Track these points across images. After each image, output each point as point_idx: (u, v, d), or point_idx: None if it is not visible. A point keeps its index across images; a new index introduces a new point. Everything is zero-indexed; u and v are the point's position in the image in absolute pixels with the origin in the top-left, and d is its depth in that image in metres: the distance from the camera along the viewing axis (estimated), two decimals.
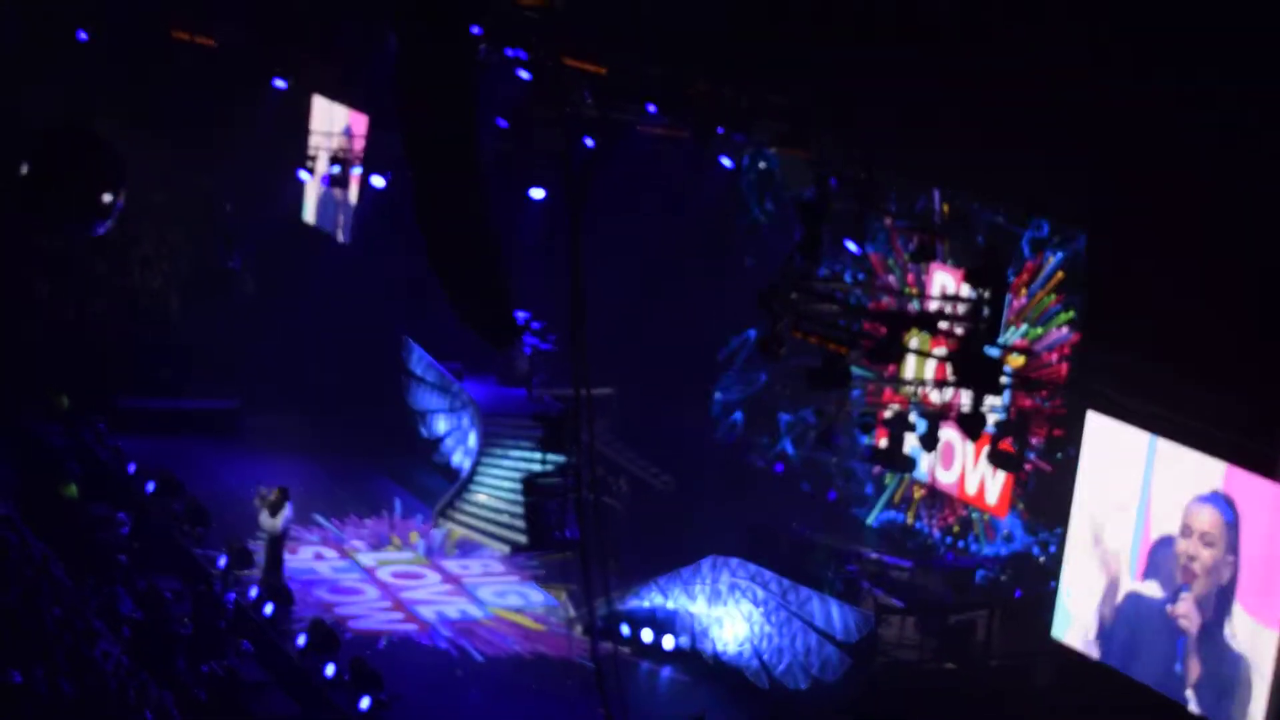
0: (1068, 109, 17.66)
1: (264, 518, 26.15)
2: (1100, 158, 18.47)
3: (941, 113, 20.35)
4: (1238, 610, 19.24)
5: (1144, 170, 17.72)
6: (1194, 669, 19.74)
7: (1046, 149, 19.65)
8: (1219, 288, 17.83)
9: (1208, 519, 19.65)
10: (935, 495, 27.35)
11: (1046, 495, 25.37)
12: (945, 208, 26.08)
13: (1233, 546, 19.30)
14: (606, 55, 23.99)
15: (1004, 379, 18.41)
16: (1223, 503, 19.44)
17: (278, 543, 26.28)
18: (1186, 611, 19.87)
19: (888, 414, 22.32)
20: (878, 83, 20.26)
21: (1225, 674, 19.34)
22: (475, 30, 23.47)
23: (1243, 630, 19.16)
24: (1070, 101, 17.49)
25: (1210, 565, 19.58)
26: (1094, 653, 21.19)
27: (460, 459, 31.98)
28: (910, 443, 21.96)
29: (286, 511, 26.23)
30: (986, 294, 17.25)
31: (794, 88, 22.29)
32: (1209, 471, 19.54)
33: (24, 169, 14.90)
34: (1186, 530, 19.88)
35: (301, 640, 23.64)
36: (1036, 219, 25.54)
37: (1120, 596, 20.88)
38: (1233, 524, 19.33)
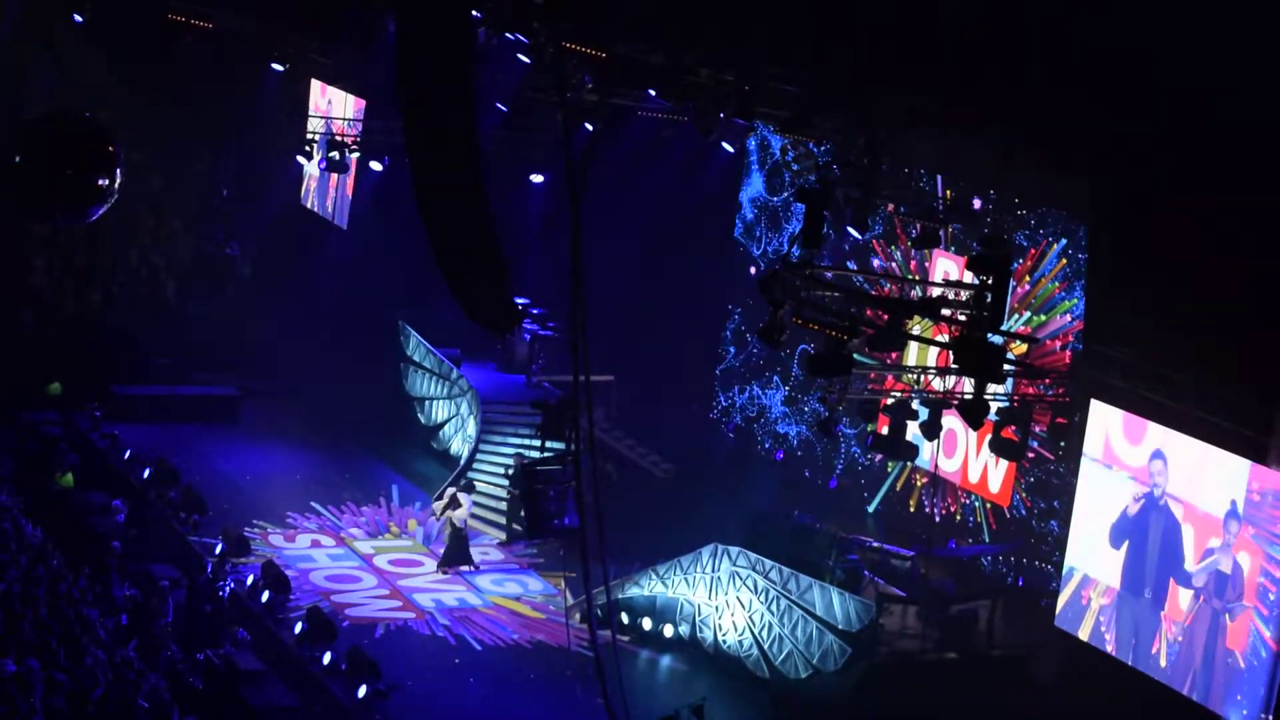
0: (1070, 98, 17.54)
1: (455, 513, 27.34)
2: (1102, 145, 18.36)
3: (945, 101, 20.21)
4: (1242, 601, 19.12)
5: (1145, 158, 17.61)
6: (1195, 656, 19.62)
7: (1049, 137, 19.53)
8: (1219, 276, 17.70)
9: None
10: (937, 483, 27.22)
11: (1050, 484, 25.28)
12: (948, 194, 25.92)
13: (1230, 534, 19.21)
14: (607, 40, 23.82)
15: (1007, 366, 18.27)
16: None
17: (462, 535, 27.38)
18: (1190, 599, 19.75)
19: (889, 401, 22.26)
20: (881, 70, 20.10)
21: (1225, 661, 19.23)
22: (475, 15, 23.33)
23: (1245, 619, 19.06)
24: (1073, 92, 17.37)
25: (1210, 549, 19.47)
26: (1098, 642, 21.06)
27: (458, 446, 31.87)
28: (912, 430, 21.89)
29: (466, 504, 27.38)
30: (990, 281, 17.07)
31: (797, 74, 22.14)
32: (1214, 460, 19.39)
33: (17, 154, 14.74)
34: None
35: (298, 628, 23.53)
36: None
37: (1123, 585, 20.74)
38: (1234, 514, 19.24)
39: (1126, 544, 20.69)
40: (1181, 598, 19.88)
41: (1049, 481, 25.19)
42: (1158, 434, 20.11)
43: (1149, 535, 20.55)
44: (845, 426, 28.12)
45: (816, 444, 30.04)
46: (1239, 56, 15.13)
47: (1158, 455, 20.25)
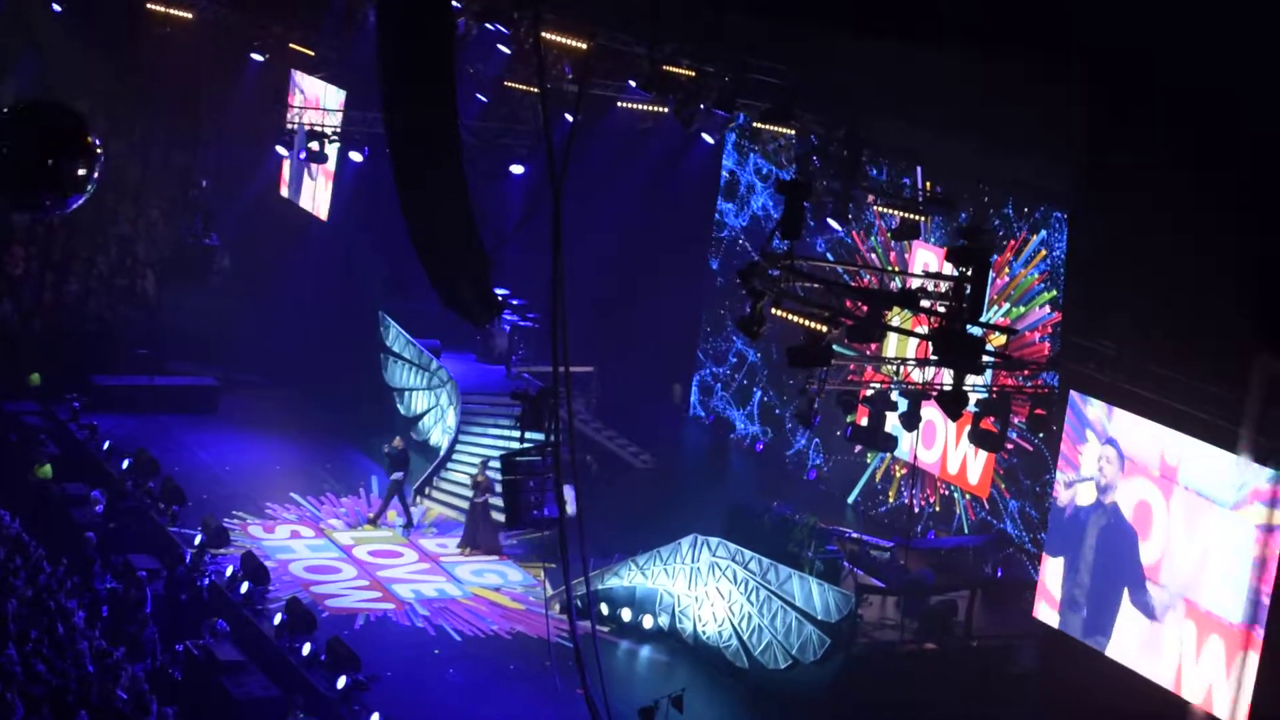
0: (1051, 91, 17.58)
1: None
2: (1084, 136, 18.40)
3: (927, 93, 20.24)
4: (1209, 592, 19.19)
5: (1128, 148, 17.66)
6: (1168, 643, 19.68)
7: (1030, 129, 19.58)
8: (1200, 268, 17.76)
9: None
10: (916, 473, 27.26)
11: (1029, 475, 25.35)
12: (928, 186, 25.96)
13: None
14: (587, 30, 23.83)
15: (986, 358, 18.31)
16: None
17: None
18: (1163, 585, 19.82)
19: (869, 392, 22.28)
20: (862, 61, 20.12)
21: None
22: (455, 4, 23.31)
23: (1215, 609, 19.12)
24: (1057, 88, 17.41)
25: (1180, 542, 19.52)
26: (1074, 632, 21.10)
27: (438, 437, 31.84)
28: (891, 421, 21.92)
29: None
30: (969, 272, 17.10)
31: (778, 66, 22.16)
32: (1188, 451, 19.45)
33: None
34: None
35: (278, 619, 23.51)
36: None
37: (1100, 575, 20.79)
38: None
39: (1106, 534, 20.75)
40: (1166, 644, 19.79)
41: (1028, 472, 25.28)
42: (1135, 424, 20.15)
43: (1085, 540, 20.64)
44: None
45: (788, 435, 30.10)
46: (1229, 50, 15.18)
47: (1132, 446, 20.24)
